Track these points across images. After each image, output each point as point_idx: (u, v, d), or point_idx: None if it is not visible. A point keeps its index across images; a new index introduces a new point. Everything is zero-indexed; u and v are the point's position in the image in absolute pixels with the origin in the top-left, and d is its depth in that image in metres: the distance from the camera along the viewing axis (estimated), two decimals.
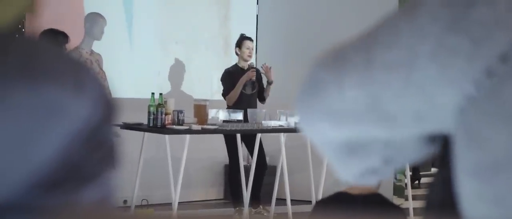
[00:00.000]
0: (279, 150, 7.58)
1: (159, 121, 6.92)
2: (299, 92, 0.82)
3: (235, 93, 7.77)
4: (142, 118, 7.07)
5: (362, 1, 8.56)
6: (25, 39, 0.70)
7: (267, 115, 7.56)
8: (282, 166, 7.58)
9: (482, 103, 0.70)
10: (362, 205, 3.51)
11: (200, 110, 7.26)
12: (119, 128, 7.00)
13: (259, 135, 7.55)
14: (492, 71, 0.69)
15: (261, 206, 7.94)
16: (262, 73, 8.03)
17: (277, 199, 7.78)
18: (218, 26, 9.09)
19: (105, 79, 6.99)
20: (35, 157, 0.66)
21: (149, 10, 8.54)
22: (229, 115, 7.44)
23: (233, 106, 7.70)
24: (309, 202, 7.63)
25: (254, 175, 7.58)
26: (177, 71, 8.77)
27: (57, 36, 6.54)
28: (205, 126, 7.07)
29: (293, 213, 7.60)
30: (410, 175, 9.15)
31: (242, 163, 7.71)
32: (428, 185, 0.83)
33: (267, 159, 8.16)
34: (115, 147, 0.74)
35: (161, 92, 7.17)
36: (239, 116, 7.41)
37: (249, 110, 7.50)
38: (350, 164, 0.83)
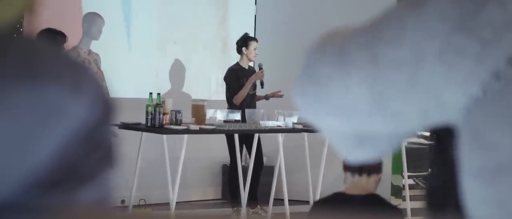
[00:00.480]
0: (277, 150, 7.58)
1: (157, 121, 6.92)
2: (300, 87, 0.81)
3: (244, 93, 7.78)
4: (140, 118, 7.06)
5: (361, 1, 8.56)
6: (23, 39, 0.70)
7: (265, 115, 7.56)
8: (280, 166, 7.58)
9: (488, 106, 0.69)
10: (360, 205, 3.51)
11: (198, 109, 7.26)
12: (117, 127, 7.00)
13: (257, 135, 7.55)
14: (500, 74, 0.68)
15: (258, 206, 7.94)
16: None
17: (275, 199, 7.78)
18: (216, 26, 9.09)
19: (103, 79, 6.99)
20: (33, 157, 0.66)
21: (148, 10, 8.53)
22: (227, 115, 7.44)
23: (237, 106, 7.69)
24: (307, 202, 7.63)
25: (251, 174, 7.58)
26: (175, 71, 8.77)
27: (55, 36, 6.53)
28: (203, 126, 7.06)
29: (291, 213, 7.60)
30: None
31: (240, 163, 7.70)
32: (428, 173, 0.83)
33: (265, 159, 8.16)
34: (113, 147, 0.74)
35: (159, 92, 7.17)
36: (237, 116, 7.40)
37: (247, 110, 7.50)
38: (359, 152, 0.83)
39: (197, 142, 7.97)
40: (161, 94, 7.14)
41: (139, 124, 7.10)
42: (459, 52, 0.70)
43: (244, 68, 7.90)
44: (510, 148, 0.67)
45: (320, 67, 0.79)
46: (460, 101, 0.71)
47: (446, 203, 0.77)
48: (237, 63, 7.94)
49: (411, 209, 7.93)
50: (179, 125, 6.96)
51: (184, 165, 7.15)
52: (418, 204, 8.13)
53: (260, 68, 7.92)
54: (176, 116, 6.98)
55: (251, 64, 8.07)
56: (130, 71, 8.38)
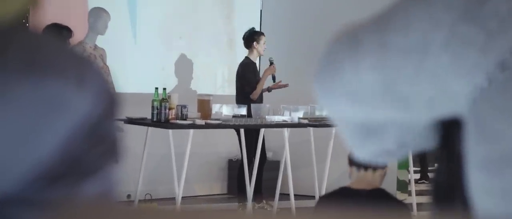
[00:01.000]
0: (282, 145, 7.58)
1: (162, 116, 6.92)
2: (317, 71, 0.82)
3: (260, 89, 7.79)
4: (146, 113, 7.07)
5: None
6: (28, 33, 0.70)
7: (270, 109, 7.56)
8: (285, 161, 7.58)
9: (493, 97, 0.69)
10: (365, 200, 3.51)
11: (204, 104, 7.26)
12: (122, 122, 7.00)
13: (262, 130, 7.55)
14: (506, 64, 0.68)
15: (264, 201, 7.94)
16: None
17: (280, 194, 7.78)
18: (222, 21, 9.09)
19: (109, 74, 7.00)
20: (36, 150, 0.66)
21: (153, 5, 8.53)
22: (234, 110, 7.44)
23: (248, 101, 7.68)
24: (313, 197, 7.63)
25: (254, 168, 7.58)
26: (181, 66, 8.77)
27: (61, 31, 6.54)
28: (208, 121, 7.06)
29: (297, 208, 7.60)
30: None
31: (245, 158, 7.70)
32: (435, 168, 0.83)
33: (271, 154, 8.15)
34: (117, 141, 0.74)
35: (165, 87, 7.17)
36: (243, 111, 7.40)
37: (252, 105, 7.50)
38: (366, 144, 0.83)
39: (202, 136, 7.98)
40: (167, 89, 7.15)
41: (145, 118, 7.10)
42: (465, 42, 0.70)
43: (255, 63, 7.91)
44: None
45: (335, 53, 0.80)
46: (466, 91, 0.71)
47: (453, 198, 0.77)
48: (248, 58, 7.92)
49: (417, 203, 7.93)
50: (185, 119, 6.97)
51: (190, 160, 7.15)
52: (424, 199, 8.12)
53: (272, 63, 7.91)
54: (181, 111, 6.99)
55: (260, 60, 8.06)
56: (136, 66, 8.39)
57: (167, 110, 6.93)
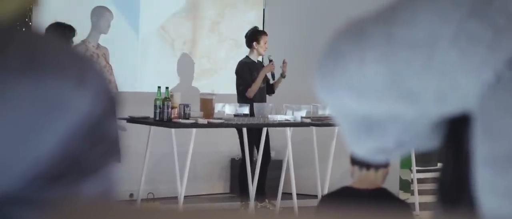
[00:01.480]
0: (285, 144, 7.58)
1: (165, 115, 6.92)
2: (319, 63, 0.81)
3: (257, 86, 7.78)
4: (149, 112, 7.07)
5: None
6: (28, 32, 0.70)
7: (273, 109, 7.56)
8: (288, 160, 7.58)
9: (501, 94, 0.69)
10: (368, 199, 3.50)
11: (207, 103, 7.26)
12: (125, 121, 7.01)
13: (265, 129, 7.55)
14: None
15: (267, 200, 7.95)
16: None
17: (283, 193, 7.78)
18: (225, 19, 9.08)
19: (112, 73, 7.00)
20: (36, 149, 0.66)
21: (156, 3, 8.53)
22: (236, 109, 7.44)
23: (249, 100, 7.69)
24: (315, 196, 7.63)
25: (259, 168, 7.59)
26: (183, 65, 8.77)
27: (64, 30, 6.54)
28: (211, 120, 7.06)
29: (299, 207, 7.60)
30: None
31: (248, 157, 7.70)
32: (440, 167, 0.82)
33: (273, 153, 8.15)
34: (117, 140, 0.74)
35: (167, 86, 7.17)
36: (246, 110, 7.40)
37: (255, 104, 7.50)
38: (365, 140, 0.83)
39: (205, 135, 7.98)
40: (169, 88, 7.15)
41: (147, 117, 7.10)
42: (472, 39, 0.70)
43: (254, 62, 7.91)
44: None
45: (339, 44, 0.79)
46: (474, 87, 0.70)
47: (458, 197, 0.77)
48: (248, 57, 7.93)
49: (420, 203, 7.93)
50: (188, 118, 6.97)
51: (192, 159, 7.16)
52: (427, 198, 8.12)
53: (270, 61, 7.92)
54: (184, 110, 6.98)
55: (259, 58, 8.06)
56: (138, 65, 8.39)
57: (169, 109, 6.93)
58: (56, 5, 7.35)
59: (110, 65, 7.14)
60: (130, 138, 7.43)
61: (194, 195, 8.46)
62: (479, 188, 0.71)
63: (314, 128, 7.60)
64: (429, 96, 0.74)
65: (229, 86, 8.08)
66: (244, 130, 7.61)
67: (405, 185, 8.84)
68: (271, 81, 8.02)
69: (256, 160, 7.73)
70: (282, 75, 7.99)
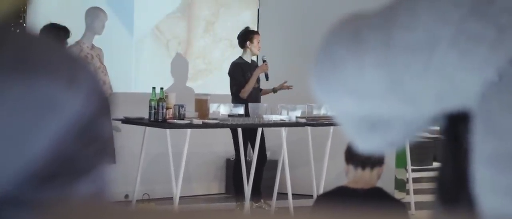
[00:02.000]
0: (280, 144, 7.58)
1: (160, 115, 6.92)
2: (316, 67, 0.81)
3: (250, 87, 7.78)
4: (143, 112, 7.07)
5: None
6: (21, 33, 0.70)
7: (268, 109, 7.56)
8: (283, 160, 7.58)
9: (503, 92, 0.68)
10: (363, 199, 3.51)
11: (201, 104, 7.26)
12: (120, 122, 7.00)
13: (260, 129, 7.55)
14: None
15: (262, 201, 7.95)
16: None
17: (278, 193, 7.78)
18: (219, 20, 9.08)
19: (106, 73, 6.99)
20: (28, 150, 0.66)
21: (151, 4, 8.52)
22: (231, 109, 7.44)
23: (243, 100, 7.69)
24: (311, 196, 7.63)
25: (255, 168, 7.58)
26: (178, 65, 8.76)
27: (58, 31, 6.53)
28: (206, 120, 7.06)
29: (295, 207, 7.60)
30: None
31: (244, 158, 7.71)
32: (439, 166, 0.82)
33: (269, 153, 8.16)
34: (111, 141, 0.73)
35: (162, 86, 7.16)
36: (241, 110, 7.40)
37: (250, 104, 7.50)
38: (370, 138, 0.82)
39: (200, 136, 7.97)
40: (164, 89, 7.14)
41: (142, 118, 7.10)
42: (473, 38, 0.70)
43: (248, 62, 7.90)
44: None
45: (336, 48, 0.79)
46: (475, 86, 0.70)
47: (457, 196, 0.76)
48: (241, 58, 7.94)
49: (415, 202, 7.93)
50: (182, 119, 6.96)
51: (188, 160, 7.15)
52: (422, 198, 8.13)
53: (264, 61, 7.92)
54: (179, 110, 6.98)
55: (253, 58, 8.07)
56: (133, 65, 8.38)
57: (164, 110, 6.93)
58: (50, 6, 7.35)
59: (105, 66, 7.14)
60: (125, 139, 7.43)
61: (190, 196, 8.46)
62: (479, 187, 0.71)
63: (309, 127, 7.60)
64: (429, 98, 0.74)
65: (224, 86, 8.07)
66: (239, 130, 7.61)
67: (401, 185, 8.85)
68: (261, 87, 7.99)
69: (251, 160, 7.73)
70: (274, 91, 7.98)
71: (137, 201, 7.56)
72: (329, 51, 0.80)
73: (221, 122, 7.18)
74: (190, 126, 6.92)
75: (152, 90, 7.02)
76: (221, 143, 8.67)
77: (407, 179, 8.49)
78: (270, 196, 7.80)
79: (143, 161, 7.28)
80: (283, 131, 7.50)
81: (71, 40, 6.86)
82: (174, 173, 7.03)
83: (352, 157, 3.54)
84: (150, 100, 6.98)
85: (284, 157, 7.56)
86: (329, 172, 7.54)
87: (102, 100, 0.72)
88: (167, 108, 6.95)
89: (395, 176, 8.72)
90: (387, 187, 4.07)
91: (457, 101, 0.73)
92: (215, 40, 9.04)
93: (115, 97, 6.77)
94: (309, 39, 8.47)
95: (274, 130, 7.70)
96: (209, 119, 7.14)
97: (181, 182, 6.95)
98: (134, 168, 7.19)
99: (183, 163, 6.92)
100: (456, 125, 0.77)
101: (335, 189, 3.63)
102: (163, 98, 6.95)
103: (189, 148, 6.97)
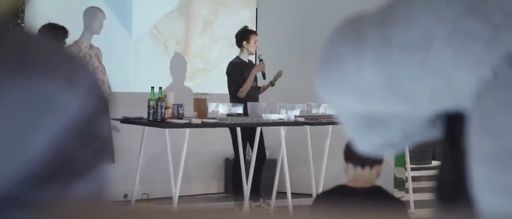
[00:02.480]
0: (279, 144, 7.58)
1: (159, 115, 6.92)
2: (320, 65, 0.82)
3: (248, 86, 7.78)
4: (142, 112, 7.07)
5: None
6: (19, 32, 0.70)
7: (267, 108, 7.56)
8: (282, 159, 7.58)
9: (499, 90, 0.69)
10: (362, 198, 3.51)
11: (200, 103, 7.26)
12: (119, 122, 7.00)
13: (259, 128, 7.55)
14: None
15: (261, 200, 7.95)
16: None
17: (277, 192, 7.78)
18: (218, 19, 9.08)
19: (105, 73, 7.00)
20: (27, 150, 0.66)
21: (149, 3, 8.52)
22: (230, 109, 7.44)
23: (241, 99, 7.69)
24: (310, 195, 7.63)
25: (254, 167, 7.59)
26: (176, 65, 8.76)
27: (57, 31, 6.53)
28: (205, 120, 7.06)
29: (294, 206, 7.60)
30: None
31: (243, 157, 7.71)
32: (439, 165, 0.82)
33: (268, 152, 8.16)
34: (109, 140, 0.73)
35: (161, 86, 7.16)
36: (239, 109, 7.40)
37: (249, 103, 7.50)
38: (370, 137, 0.83)
39: (199, 135, 7.98)
40: (163, 88, 7.14)
41: (141, 118, 7.10)
42: (469, 36, 0.70)
43: (245, 62, 7.91)
44: None
45: (338, 46, 0.80)
46: (471, 84, 0.71)
47: (457, 195, 0.77)
48: (238, 57, 7.94)
49: (414, 201, 7.94)
50: (181, 118, 6.96)
51: (186, 159, 7.15)
52: (421, 196, 8.13)
53: (261, 60, 7.92)
54: (178, 110, 6.98)
55: (250, 57, 8.07)
56: (131, 65, 8.38)
57: (163, 109, 6.93)
58: (49, 6, 7.35)
59: (103, 65, 7.14)
60: (124, 139, 7.43)
61: (189, 195, 8.46)
62: (477, 185, 0.71)
63: (308, 126, 7.60)
64: (425, 96, 0.74)
65: (222, 86, 8.07)
66: (238, 129, 7.61)
67: (400, 183, 8.85)
68: (259, 84, 8.01)
69: (250, 159, 7.73)
70: (271, 84, 7.99)
71: (136, 200, 7.56)
72: (333, 51, 0.80)
73: (220, 121, 7.18)
74: (189, 125, 6.92)
75: (151, 90, 7.02)
76: (220, 142, 8.67)
77: (406, 177, 8.50)
78: (269, 195, 7.80)
79: (142, 161, 7.28)
80: (282, 130, 7.50)
81: (69, 40, 6.87)
82: (173, 172, 7.03)
83: (351, 156, 3.54)
84: (149, 99, 6.98)
85: (283, 156, 7.56)
86: (328, 171, 7.54)
87: (101, 100, 0.72)
88: (166, 107, 6.95)
89: (394, 174, 8.73)
90: (386, 186, 4.07)
91: (453, 100, 0.73)
92: (213, 40, 9.04)
93: (114, 97, 6.77)
94: (308, 39, 8.47)
95: (273, 129, 7.70)
96: (208, 118, 7.14)
97: (180, 182, 6.95)
98: (133, 167, 7.19)
99: (182, 163, 6.92)
100: (453, 124, 0.77)
101: (334, 187, 3.63)
102: (162, 98, 6.95)
103: (188, 148, 6.97)
